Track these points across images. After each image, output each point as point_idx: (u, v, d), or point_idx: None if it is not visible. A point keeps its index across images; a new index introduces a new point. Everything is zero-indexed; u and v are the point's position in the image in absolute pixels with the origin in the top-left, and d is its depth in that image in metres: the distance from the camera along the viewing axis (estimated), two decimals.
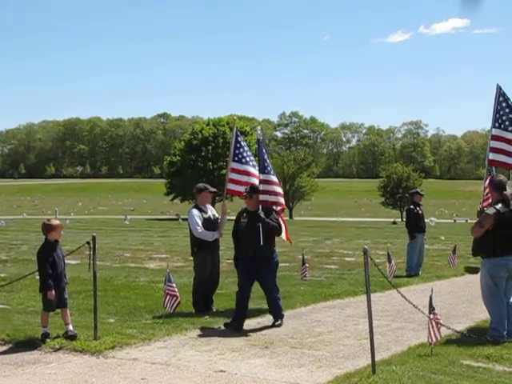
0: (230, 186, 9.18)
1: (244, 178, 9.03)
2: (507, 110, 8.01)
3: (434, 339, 6.37)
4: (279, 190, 8.54)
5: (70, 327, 7.20)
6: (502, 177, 7.60)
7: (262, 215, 8.06)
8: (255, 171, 8.92)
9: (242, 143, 9.29)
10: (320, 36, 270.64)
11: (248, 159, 9.16)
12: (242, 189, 8.85)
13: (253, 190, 8.34)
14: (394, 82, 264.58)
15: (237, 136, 9.29)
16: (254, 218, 8.11)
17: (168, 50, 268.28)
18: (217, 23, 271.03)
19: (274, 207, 8.36)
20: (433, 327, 6.36)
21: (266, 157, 8.66)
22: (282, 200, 8.49)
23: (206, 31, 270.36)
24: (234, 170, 9.14)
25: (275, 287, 8.28)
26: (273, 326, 8.11)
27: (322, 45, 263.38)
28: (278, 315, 8.25)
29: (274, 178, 8.49)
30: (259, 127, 10.57)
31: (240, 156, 9.15)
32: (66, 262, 7.62)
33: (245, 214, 8.31)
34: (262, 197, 8.28)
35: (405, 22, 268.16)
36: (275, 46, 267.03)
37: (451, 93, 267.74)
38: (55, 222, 7.40)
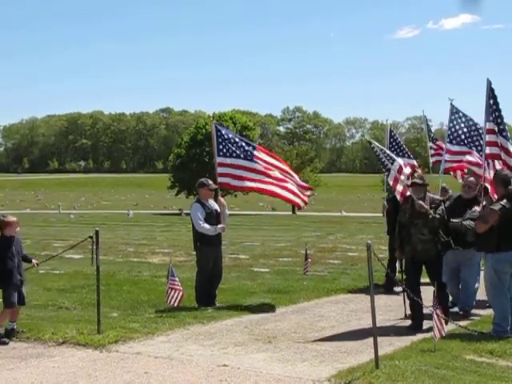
0: (220, 180, 9.30)
1: (231, 171, 9.29)
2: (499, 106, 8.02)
3: (438, 335, 6.35)
4: None
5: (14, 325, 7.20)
6: (506, 171, 7.55)
7: None
8: (247, 163, 9.24)
9: (228, 136, 9.50)
10: (326, 32, 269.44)
11: (235, 153, 9.35)
12: (228, 180, 9.25)
13: None
14: (399, 77, 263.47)
15: (217, 131, 9.48)
16: None
17: (170, 45, 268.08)
18: (220, 19, 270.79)
19: None
20: (437, 322, 6.34)
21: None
22: None
23: (209, 26, 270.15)
24: (221, 164, 9.33)
25: None
26: None
27: (328, 41, 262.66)
28: None
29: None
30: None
31: (225, 150, 9.38)
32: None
33: None
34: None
35: (413, 17, 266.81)
36: (280, 42, 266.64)
37: (455, 88, 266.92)
38: (11, 218, 7.42)
